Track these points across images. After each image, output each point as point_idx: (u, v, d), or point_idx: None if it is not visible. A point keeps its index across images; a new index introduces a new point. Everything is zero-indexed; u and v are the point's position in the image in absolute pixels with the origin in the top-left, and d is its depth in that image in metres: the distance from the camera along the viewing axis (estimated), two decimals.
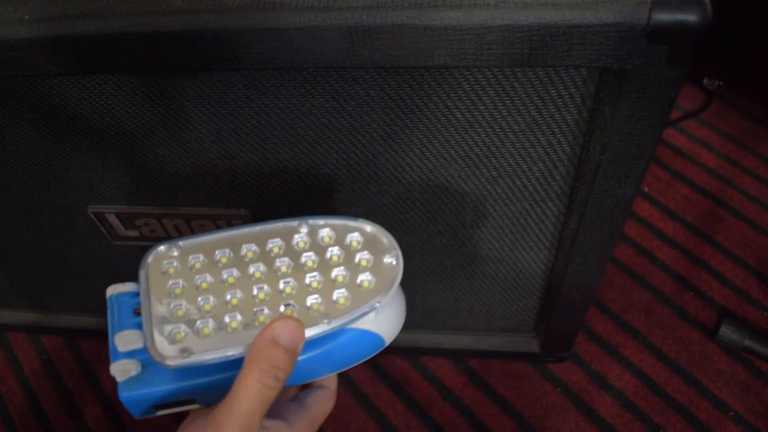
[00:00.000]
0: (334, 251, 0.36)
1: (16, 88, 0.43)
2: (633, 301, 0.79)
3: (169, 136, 0.46)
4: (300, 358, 0.33)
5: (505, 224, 0.52)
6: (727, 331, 0.72)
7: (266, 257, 0.36)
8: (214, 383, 0.33)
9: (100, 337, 0.80)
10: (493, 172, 0.47)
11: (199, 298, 0.34)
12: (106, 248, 0.60)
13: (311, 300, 0.34)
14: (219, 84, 0.41)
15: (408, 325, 0.71)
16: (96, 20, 0.36)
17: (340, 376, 0.74)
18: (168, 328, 0.33)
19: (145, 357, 0.33)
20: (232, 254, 0.36)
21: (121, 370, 0.33)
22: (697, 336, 0.75)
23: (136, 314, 0.35)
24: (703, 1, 0.32)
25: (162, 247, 0.36)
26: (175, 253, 0.36)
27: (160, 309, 0.34)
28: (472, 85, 0.40)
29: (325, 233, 0.37)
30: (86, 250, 0.61)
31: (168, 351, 0.32)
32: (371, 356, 0.37)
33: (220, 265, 0.36)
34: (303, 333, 0.33)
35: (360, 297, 0.35)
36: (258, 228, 0.37)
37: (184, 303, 0.34)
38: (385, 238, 0.37)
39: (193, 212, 0.53)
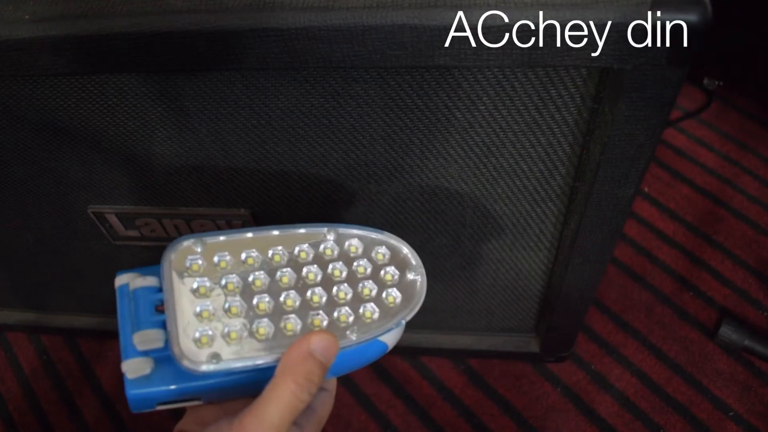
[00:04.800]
0: (361, 263, 0.36)
1: (16, 88, 0.43)
2: (633, 301, 0.79)
3: (169, 136, 0.46)
4: None
5: (505, 224, 0.52)
6: (727, 331, 0.72)
7: (294, 262, 0.35)
8: (224, 384, 0.33)
9: (100, 337, 0.80)
10: (493, 172, 0.47)
11: (227, 300, 0.33)
12: (106, 248, 0.60)
13: (339, 312, 0.34)
14: (219, 84, 0.41)
15: (408, 325, 0.71)
16: (96, 20, 0.36)
17: (340, 377, 0.74)
18: (195, 330, 0.32)
19: (159, 355, 0.32)
20: (259, 256, 0.35)
21: (135, 368, 0.32)
22: (697, 336, 0.75)
23: (158, 311, 0.33)
24: (703, 1, 0.32)
25: (186, 242, 0.34)
26: (199, 249, 0.34)
27: (186, 309, 0.32)
28: (472, 85, 0.40)
29: (353, 243, 0.36)
30: (86, 250, 0.61)
31: (197, 356, 0.31)
32: (374, 361, 0.37)
33: (247, 266, 0.35)
34: (337, 348, 0.32)
35: (385, 312, 0.35)
36: (285, 231, 0.36)
37: (210, 304, 0.33)
38: (411, 254, 0.37)
39: (193, 212, 0.53)
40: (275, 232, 0.36)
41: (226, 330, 0.32)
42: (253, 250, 0.35)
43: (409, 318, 0.35)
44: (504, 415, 0.72)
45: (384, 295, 0.35)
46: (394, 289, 0.36)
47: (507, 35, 0.34)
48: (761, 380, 0.72)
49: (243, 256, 0.35)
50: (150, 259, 0.62)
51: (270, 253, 0.35)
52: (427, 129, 0.43)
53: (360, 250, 0.36)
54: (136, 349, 0.32)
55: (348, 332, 0.34)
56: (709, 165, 0.90)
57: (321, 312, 0.34)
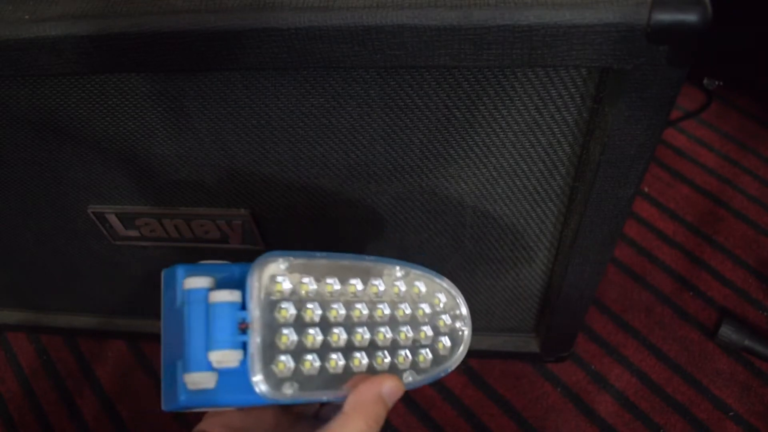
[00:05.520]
0: (422, 306, 0.36)
1: (16, 88, 0.43)
2: (633, 301, 0.79)
3: (169, 136, 0.46)
4: None
5: (505, 224, 0.52)
6: (727, 331, 0.72)
7: (368, 297, 0.35)
8: (266, 400, 0.32)
9: (100, 337, 0.80)
10: (493, 172, 0.47)
11: (306, 328, 0.32)
12: (106, 248, 0.60)
13: (399, 354, 0.34)
14: (219, 84, 0.41)
15: None
16: (96, 20, 0.36)
17: None
18: (276, 356, 0.31)
19: (225, 369, 0.31)
20: (339, 286, 0.34)
21: (199, 381, 0.31)
22: (697, 336, 0.75)
23: (240, 331, 0.32)
24: (703, 1, 0.32)
25: (277, 259, 0.33)
26: (284, 267, 0.33)
27: (269, 333, 0.31)
28: (472, 85, 0.40)
29: (418, 285, 0.36)
30: (86, 250, 0.61)
31: (275, 384, 0.31)
32: None
33: (326, 294, 0.34)
34: (402, 394, 0.33)
35: (437, 359, 0.35)
36: (357, 261, 0.35)
37: (292, 330, 0.32)
38: (464, 306, 0.37)
39: (193, 212, 0.53)
40: (352, 262, 0.35)
41: (303, 359, 0.32)
42: (334, 278, 0.34)
43: (453, 368, 0.36)
44: (504, 415, 0.72)
45: (437, 341, 0.36)
46: (446, 337, 0.36)
47: (507, 35, 0.34)
48: (761, 380, 0.72)
49: (325, 284, 0.34)
50: (150, 259, 0.62)
51: (348, 283, 0.34)
52: (427, 129, 0.43)
53: (422, 294, 0.36)
54: (210, 365, 0.31)
55: (405, 375, 0.34)
56: (709, 165, 0.90)
57: (385, 351, 0.34)
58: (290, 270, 0.33)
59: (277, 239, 0.56)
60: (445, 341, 0.36)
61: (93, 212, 0.55)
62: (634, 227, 0.85)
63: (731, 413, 0.70)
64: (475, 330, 0.70)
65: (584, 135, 0.43)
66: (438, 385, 0.74)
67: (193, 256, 0.60)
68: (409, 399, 0.73)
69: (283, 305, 0.32)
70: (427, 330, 0.35)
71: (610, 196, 0.45)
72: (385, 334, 0.34)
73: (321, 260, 0.34)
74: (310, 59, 0.36)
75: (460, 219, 0.52)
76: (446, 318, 0.36)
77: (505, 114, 0.41)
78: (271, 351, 0.31)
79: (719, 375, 0.72)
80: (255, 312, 0.31)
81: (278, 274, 0.32)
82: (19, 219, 0.58)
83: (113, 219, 0.55)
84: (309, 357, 0.32)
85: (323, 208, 0.52)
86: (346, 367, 0.33)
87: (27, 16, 0.37)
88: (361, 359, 0.33)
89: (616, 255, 0.82)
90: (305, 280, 0.33)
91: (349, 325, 0.34)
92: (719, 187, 0.88)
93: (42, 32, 0.36)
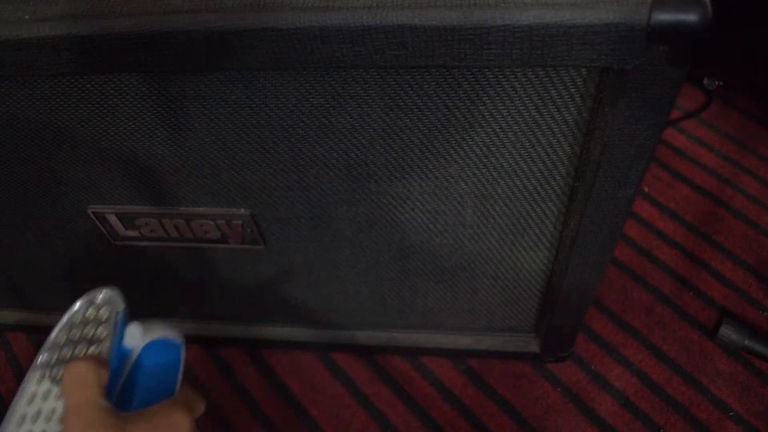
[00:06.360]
0: (75, 336, 0.38)
1: (16, 88, 0.43)
2: (633, 301, 0.79)
3: (169, 136, 0.46)
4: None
5: (505, 224, 0.52)
6: (727, 331, 0.72)
7: (48, 415, 0.36)
8: None
9: None
10: (493, 172, 0.47)
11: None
12: (106, 248, 0.60)
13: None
14: (219, 84, 0.41)
15: (408, 325, 0.71)
16: (96, 20, 0.36)
17: (339, 376, 0.73)
18: None
19: None
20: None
21: None
22: (697, 336, 0.75)
23: None
24: (703, 1, 0.32)
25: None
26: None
27: None
28: (472, 85, 0.40)
29: (47, 357, 0.38)
30: (86, 250, 0.61)
31: None
32: (180, 359, 0.39)
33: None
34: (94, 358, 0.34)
35: (112, 326, 0.37)
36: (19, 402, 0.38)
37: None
38: (76, 304, 0.38)
39: (193, 212, 0.53)
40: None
41: None
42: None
43: (122, 308, 0.38)
44: (504, 415, 0.72)
45: (103, 319, 0.38)
46: (101, 308, 0.38)
47: (507, 35, 0.34)
48: (761, 380, 0.72)
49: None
50: (150, 259, 0.62)
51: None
52: (427, 129, 0.43)
53: (62, 340, 0.38)
54: None
55: (108, 345, 0.36)
56: (709, 165, 0.90)
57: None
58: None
59: (277, 239, 0.56)
60: (102, 311, 0.38)
61: (93, 212, 0.55)
62: (634, 227, 0.85)
63: (731, 413, 0.70)
64: (475, 330, 0.70)
65: (584, 135, 0.43)
66: (438, 385, 0.74)
67: (193, 256, 0.60)
68: (409, 399, 0.73)
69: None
70: (88, 329, 0.37)
71: (610, 196, 0.45)
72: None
73: None
74: (310, 59, 0.36)
75: (460, 219, 0.52)
76: (90, 311, 0.38)
77: (505, 114, 0.42)
78: None
79: (719, 375, 0.72)
80: None
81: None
82: (19, 219, 0.58)
83: (113, 219, 0.55)
84: None
85: (323, 208, 0.52)
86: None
87: (27, 16, 0.37)
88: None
89: (616, 255, 0.82)
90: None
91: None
92: (719, 187, 0.88)
93: (42, 32, 0.36)
